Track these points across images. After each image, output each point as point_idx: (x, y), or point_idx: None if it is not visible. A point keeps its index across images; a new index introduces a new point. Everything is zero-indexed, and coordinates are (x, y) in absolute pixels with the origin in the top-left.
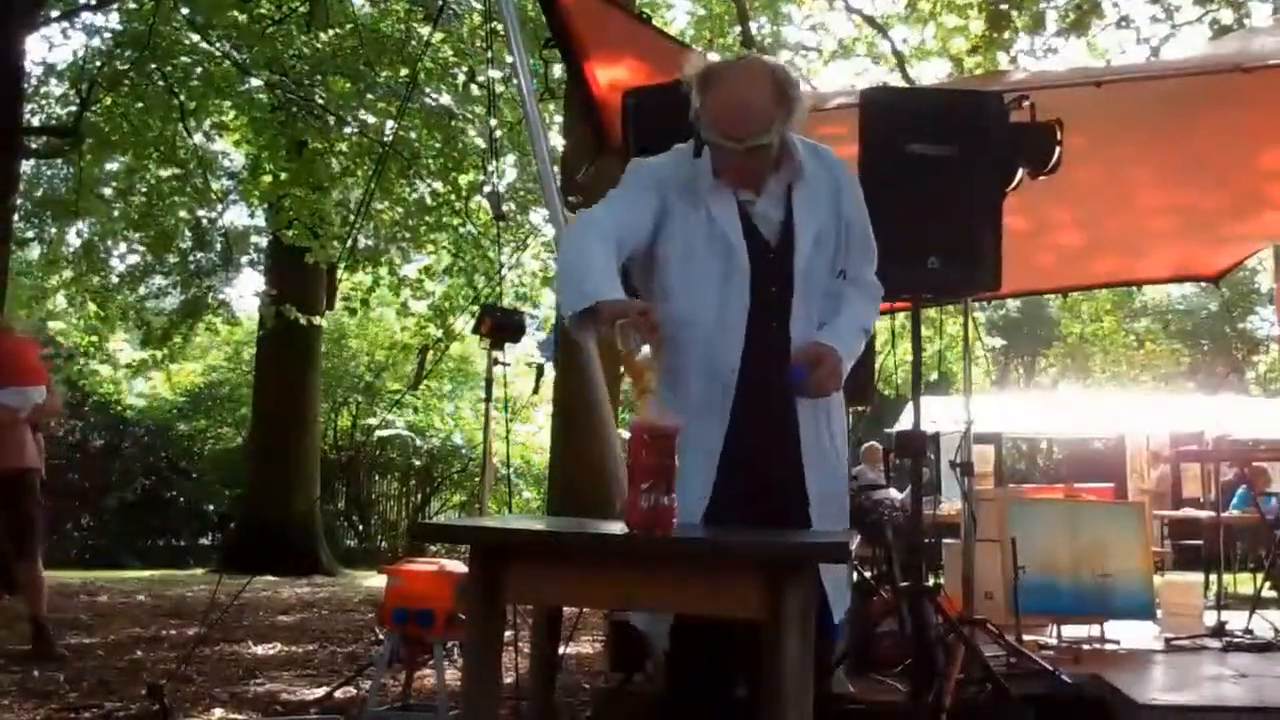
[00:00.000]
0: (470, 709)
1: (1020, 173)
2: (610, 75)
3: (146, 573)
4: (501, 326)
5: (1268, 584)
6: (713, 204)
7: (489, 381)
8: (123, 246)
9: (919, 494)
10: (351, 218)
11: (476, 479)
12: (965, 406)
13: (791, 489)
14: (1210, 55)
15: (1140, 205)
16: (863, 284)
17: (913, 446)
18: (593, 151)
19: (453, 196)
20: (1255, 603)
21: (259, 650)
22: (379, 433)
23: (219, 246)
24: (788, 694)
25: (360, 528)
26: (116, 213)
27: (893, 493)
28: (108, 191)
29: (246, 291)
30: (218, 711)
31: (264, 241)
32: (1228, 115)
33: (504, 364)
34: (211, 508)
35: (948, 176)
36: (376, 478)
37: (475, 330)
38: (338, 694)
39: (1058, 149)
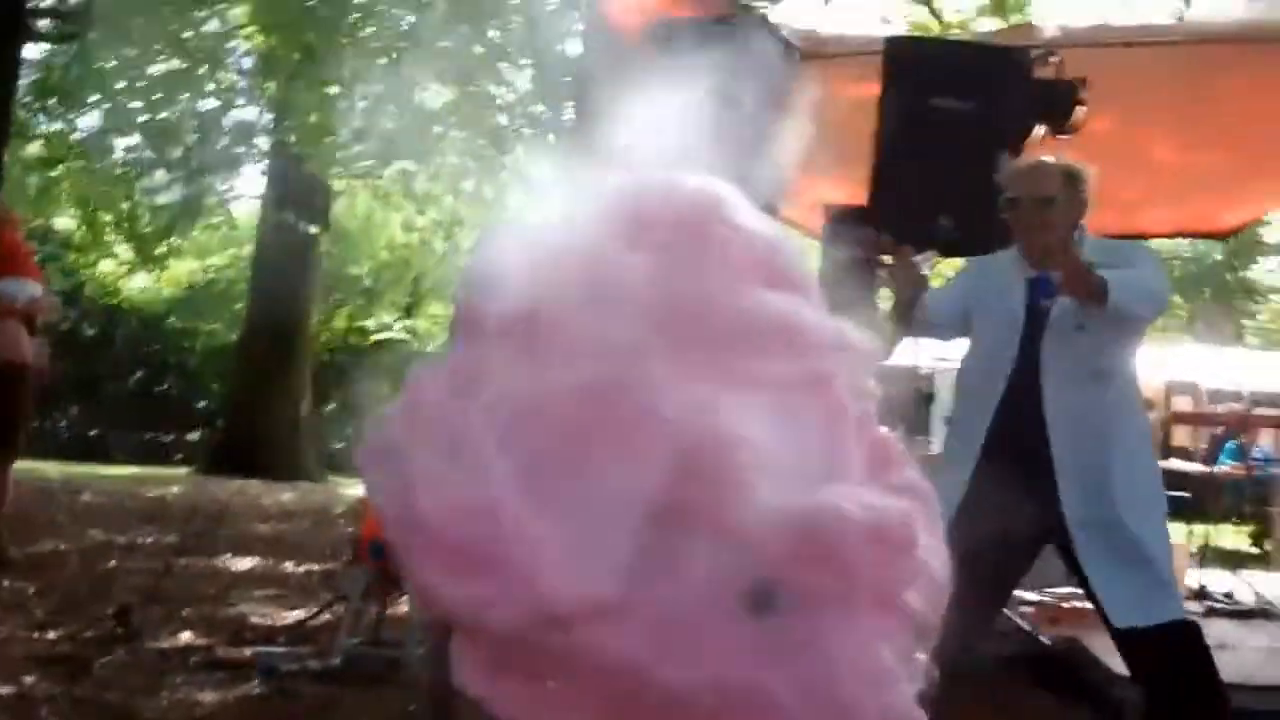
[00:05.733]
0: (439, 644)
1: (1040, 130)
2: None
3: (131, 469)
4: None
5: (1249, 541)
6: (1007, 280)
7: None
8: (127, 140)
9: None
10: (355, 127)
11: None
12: None
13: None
14: (1245, 20)
15: (1152, 161)
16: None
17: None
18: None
19: (463, 104)
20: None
21: (235, 565)
22: (375, 336)
23: (222, 143)
24: None
25: (351, 431)
26: (122, 101)
27: None
28: (118, 86)
29: (248, 191)
30: (185, 635)
31: (266, 144)
32: (1254, 78)
33: None
34: (204, 404)
35: (966, 133)
36: (372, 383)
37: None
38: (310, 622)
39: (1079, 109)
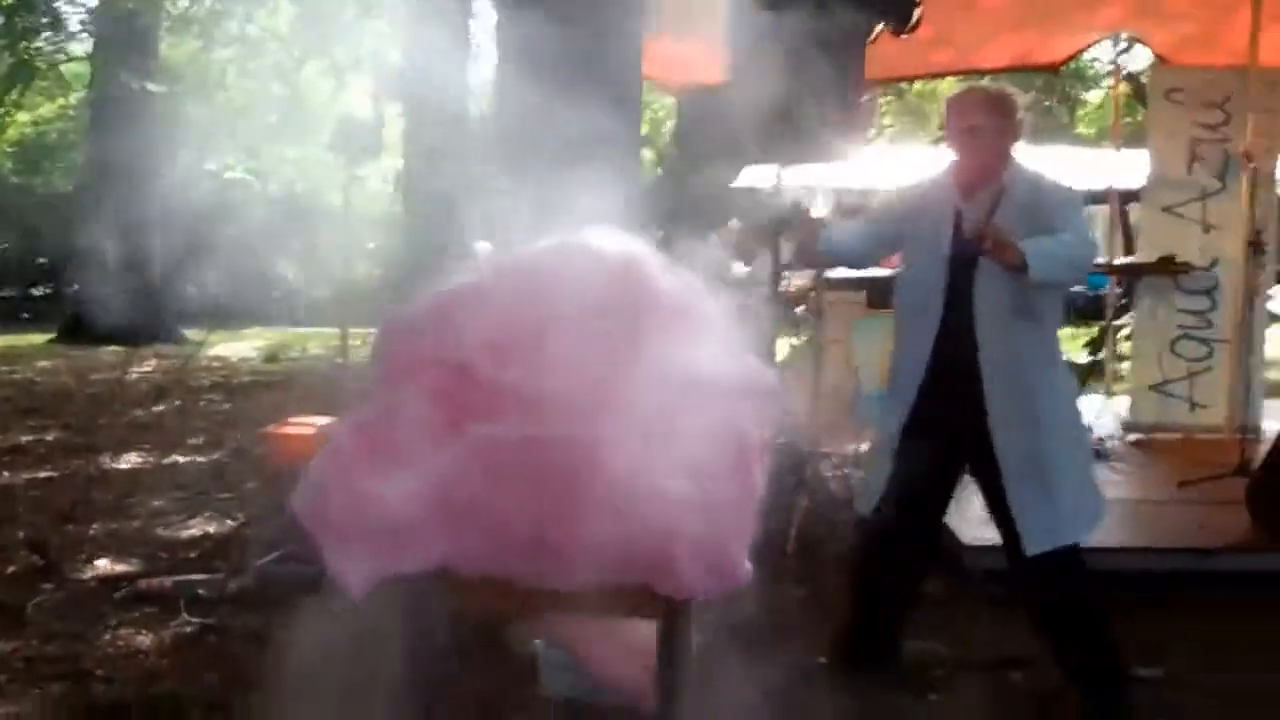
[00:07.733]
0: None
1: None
2: None
3: None
4: None
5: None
6: (937, 211)
7: None
8: None
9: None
10: None
11: None
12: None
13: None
14: None
15: (982, 2)
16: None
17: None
18: None
19: None
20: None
21: (123, 464)
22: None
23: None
24: None
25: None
26: None
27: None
28: None
29: (76, 51)
30: (102, 562)
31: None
32: None
33: None
34: (44, 260)
35: (808, 44)
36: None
37: None
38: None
39: (917, 10)
